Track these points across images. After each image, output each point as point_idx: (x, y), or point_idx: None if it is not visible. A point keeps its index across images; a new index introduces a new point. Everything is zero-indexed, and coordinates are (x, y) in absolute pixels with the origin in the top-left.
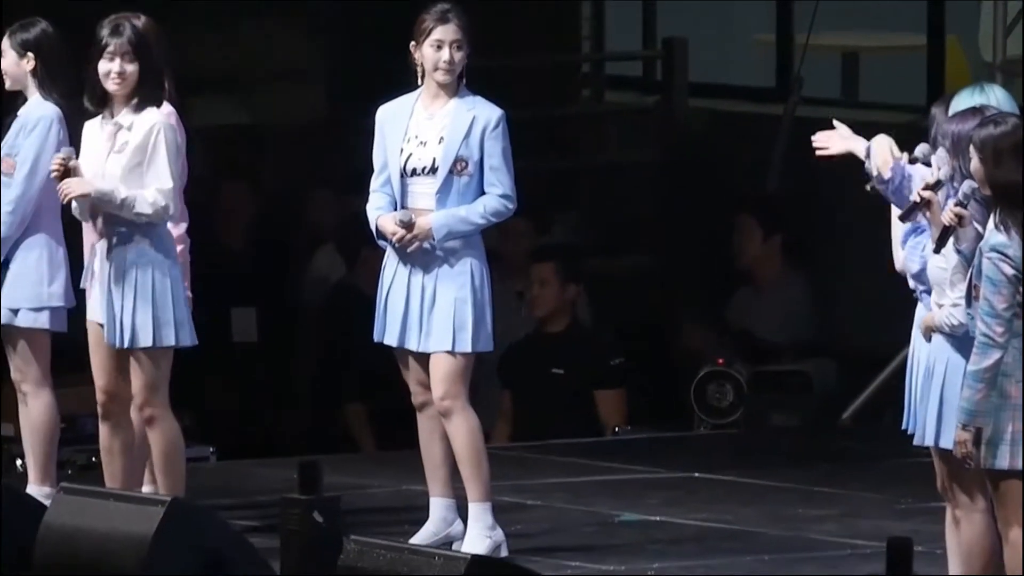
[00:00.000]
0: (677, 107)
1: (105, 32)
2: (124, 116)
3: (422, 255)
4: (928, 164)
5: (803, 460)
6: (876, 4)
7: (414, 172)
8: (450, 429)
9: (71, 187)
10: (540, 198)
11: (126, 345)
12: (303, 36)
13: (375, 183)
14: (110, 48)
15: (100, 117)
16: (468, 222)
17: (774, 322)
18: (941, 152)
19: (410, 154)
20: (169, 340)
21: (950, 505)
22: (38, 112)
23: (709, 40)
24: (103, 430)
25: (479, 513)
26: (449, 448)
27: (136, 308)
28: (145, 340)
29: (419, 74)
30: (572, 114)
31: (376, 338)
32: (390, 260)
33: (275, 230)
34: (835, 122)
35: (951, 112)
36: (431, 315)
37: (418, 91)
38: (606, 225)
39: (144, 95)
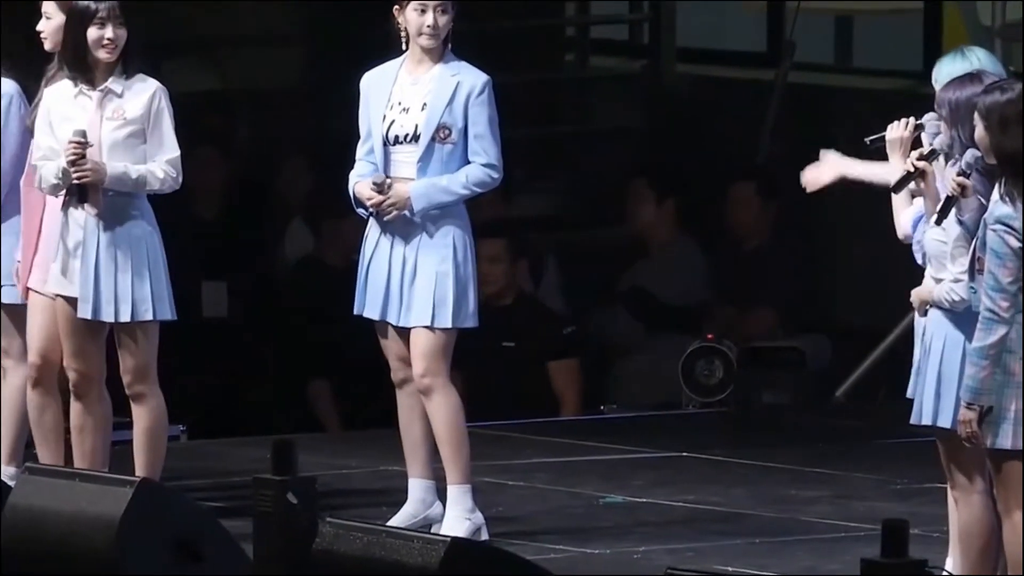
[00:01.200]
0: (664, 72)
1: (87, 0)
2: (114, 83)
3: (403, 226)
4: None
5: (795, 439)
6: None
7: (397, 140)
8: (430, 408)
9: (92, 170)
10: (524, 166)
11: (123, 319)
12: (280, 2)
13: (360, 151)
14: (100, 14)
15: (72, 83)
16: (449, 192)
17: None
18: (931, 116)
19: (392, 121)
20: (166, 314)
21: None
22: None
23: (698, 3)
24: (76, 409)
25: (458, 496)
26: (429, 428)
27: (134, 282)
28: (145, 314)
29: (403, 39)
30: (556, 79)
31: (356, 310)
32: (372, 231)
33: (248, 200)
34: (822, 152)
35: (934, 78)
36: (412, 289)
37: (403, 57)
38: (589, 194)
39: (131, 61)
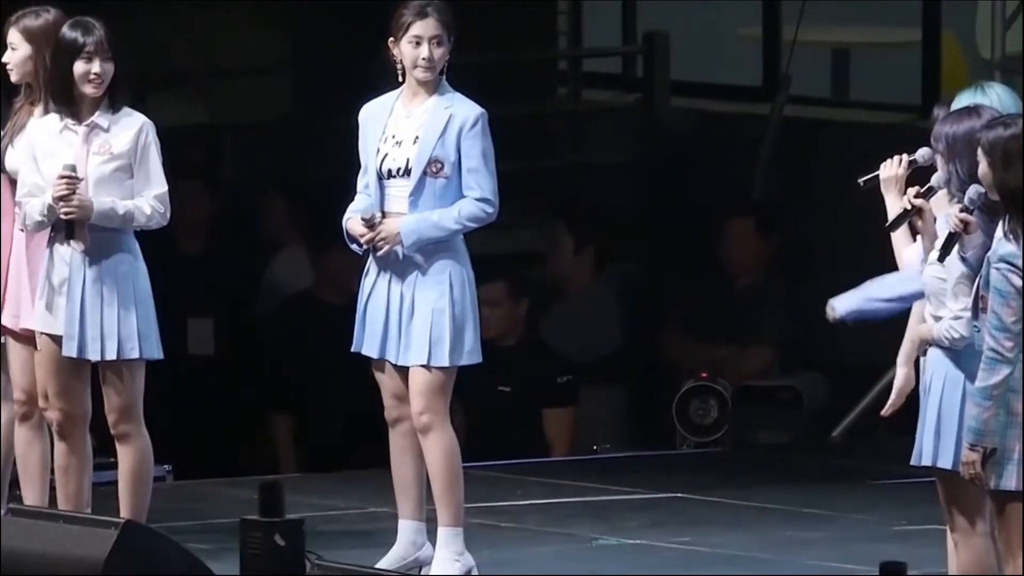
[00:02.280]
0: (658, 106)
1: (76, 33)
2: (100, 117)
3: (400, 262)
4: (931, 168)
5: (792, 479)
6: None
7: (390, 173)
8: (426, 446)
9: (78, 207)
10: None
11: (109, 357)
12: (266, 32)
13: (359, 183)
14: (87, 48)
15: (57, 118)
16: (440, 227)
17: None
18: (925, 151)
19: (386, 154)
20: (153, 352)
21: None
22: None
23: (692, 35)
24: (61, 449)
25: (449, 538)
26: (421, 468)
27: (120, 319)
28: (131, 352)
29: (399, 72)
30: (548, 113)
31: (354, 348)
32: (371, 268)
33: (234, 235)
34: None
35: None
36: (409, 327)
37: (400, 89)
38: (583, 228)
39: (118, 95)
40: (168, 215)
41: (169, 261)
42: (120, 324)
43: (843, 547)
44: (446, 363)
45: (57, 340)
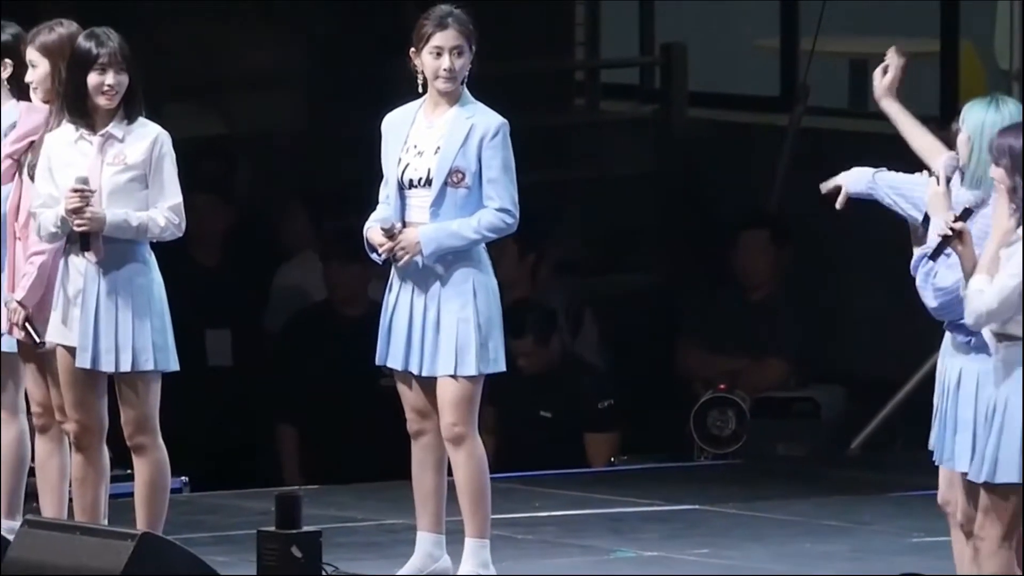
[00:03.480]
0: (676, 117)
1: (91, 44)
2: (115, 127)
3: (421, 273)
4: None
5: (811, 491)
6: (886, 7)
7: (411, 184)
8: (457, 458)
9: (90, 219)
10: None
11: (123, 368)
12: (280, 43)
13: (381, 193)
14: (101, 60)
15: (73, 128)
16: (459, 236)
17: None
18: (949, 162)
19: (407, 164)
20: (168, 364)
21: (963, 537)
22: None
23: (709, 46)
24: (77, 461)
25: (476, 549)
26: (442, 480)
27: (135, 330)
28: (145, 363)
29: (420, 81)
30: (565, 124)
31: (379, 361)
32: (394, 280)
33: (251, 246)
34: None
35: (962, 119)
36: (435, 338)
37: (422, 99)
38: (600, 241)
39: (133, 106)
40: (183, 226)
41: (185, 273)
42: (135, 335)
43: (861, 559)
44: (473, 372)
45: (72, 352)
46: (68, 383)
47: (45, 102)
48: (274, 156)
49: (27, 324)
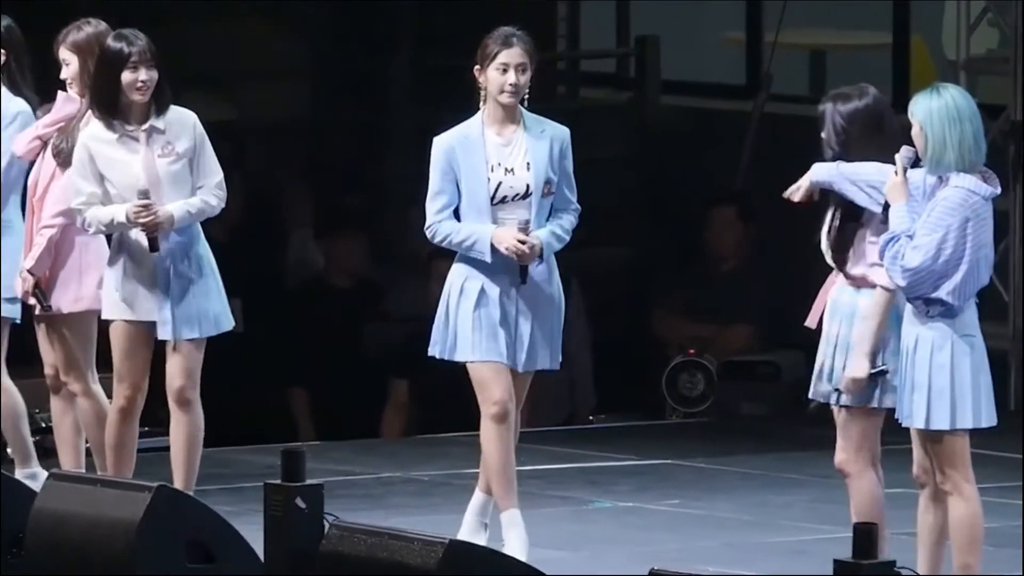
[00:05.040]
0: (650, 104)
1: (121, 44)
2: (155, 120)
3: (512, 271)
4: (914, 165)
5: (772, 447)
6: (843, 3)
7: (504, 199)
8: (511, 436)
9: (161, 223)
10: None
11: (208, 334)
12: (288, 34)
13: (433, 208)
14: (133, 58)
15: (104, 126)
16: (561, 239)
17: None
18: (908, 153)
19: (499, 182)
20: (231, 322)
21: (927, 488)
22: (14, 107)
23: (680, 38)
24: (125, 427)
25: (518, 518)
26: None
27: (206, 297)
28: (227, 324)
29: (481, 97)
30: (548, 110)
31: (461, 357)
32: (472, 274)
33: (260, 225)
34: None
35: (910, 112)
36: (534, 331)
37: (477, 118)
38: (582, 218)
39: (163, 98)
40: (225, 199)
41: None
42: (210, 302)
43: (819, 510)
44: (558, 365)
45: (134, 325)
46: (128, 354)
47: (80, 96)
48: (280, 140)
49: (36, 290)
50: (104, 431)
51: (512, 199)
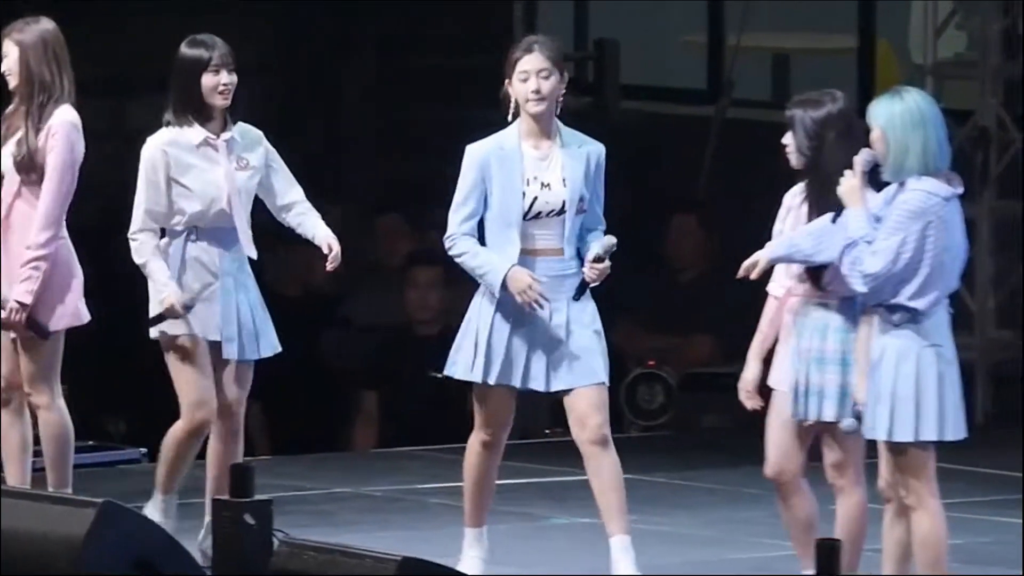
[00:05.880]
0: (609, 109)
1: (199, 50)
2: (233, 131)
3: (564, 293)
4: (873, 170)
5: (733, 462)
6: (806, 6)
7: (539, 214)
8: (605, 460)
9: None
10: None
11: (268, 354)
12: (241, 36)
13: (458, 220)
14: (214, 62)
15: (182, 131)
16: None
17: None
18: (867, 155)
19: (535, 197)
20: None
21: (892, 503)
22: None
23: (640, 42)
24: (194, 446)
25: (629, 546)
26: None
27: (263, 316)
28: (277, 344)
29: (511, 110)
30: (504, 116)
31: (488, 378)
32: (503, 298)
33: None
34: None
35: (870, 116)
36: (573, 348)
37: (511, 130)
38: None
39: (236, 106)
40: None
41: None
42: (266, 320)
43: (780, 525)
44: (605, 378)
45: (206, 343)
46: (204, 371)
47: (13, 91)
48: None
49: (32, 320)
50: (61, 446)
51: (546, 215)
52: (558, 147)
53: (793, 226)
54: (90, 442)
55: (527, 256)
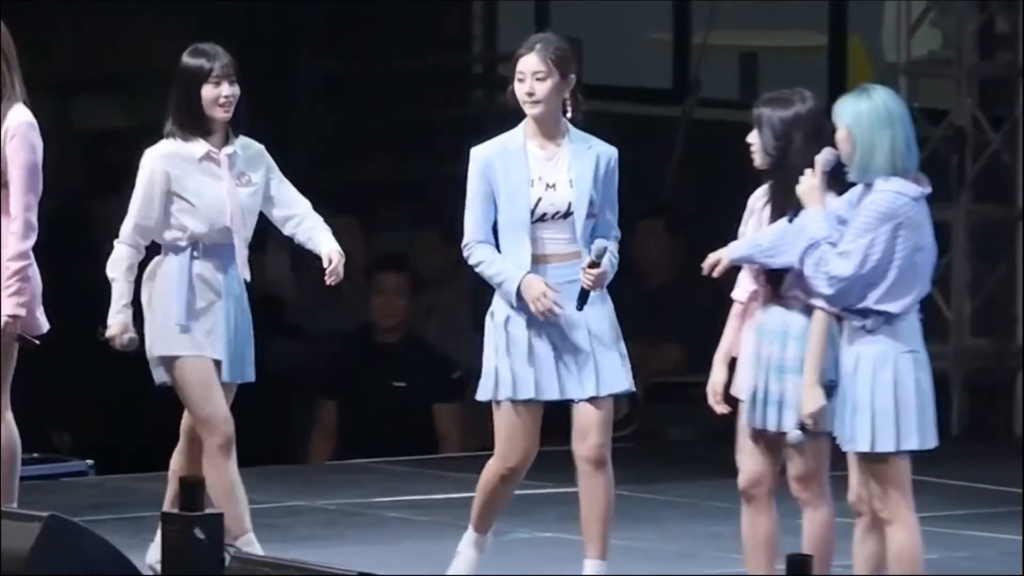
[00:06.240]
0: (572, 109)
1: (201, 60)
2: (234, 145)
3: (564, 297)
4: (836, 170)
5: (700, 475)
6: (775, 3)
7: (544, 216)
8: (599, 480)
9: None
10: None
11: (250, 379)
12: (189, 36)
13: (470, 226)
14: (215, 73)
15: (184, 144)
16: (614, 267)
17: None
18: (828, 155)
19: (539, 198)
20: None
21: (864, 517)
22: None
23: (604, 40)
24: (228, 465)
25: (603, 568)
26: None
27: (252, 338)
28: (253, 372)
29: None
30: (463, 117)
31: (520, 395)
32: (513, 312)
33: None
34: None
35: (836, 115)
36: (596, 356)
37: (517, 130)
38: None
39: (238, 119)
40: None
41: (90, 261)
42: (250, 345)
43: None
44: (631, 386)
45: (213, 363)
46: (216, 390)
47: None
48: None
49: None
50: (9, 460)
51: (552, 217)
52: (566, 147)
53: (756, 228)
54: (35, 454)
55: (537, 262)
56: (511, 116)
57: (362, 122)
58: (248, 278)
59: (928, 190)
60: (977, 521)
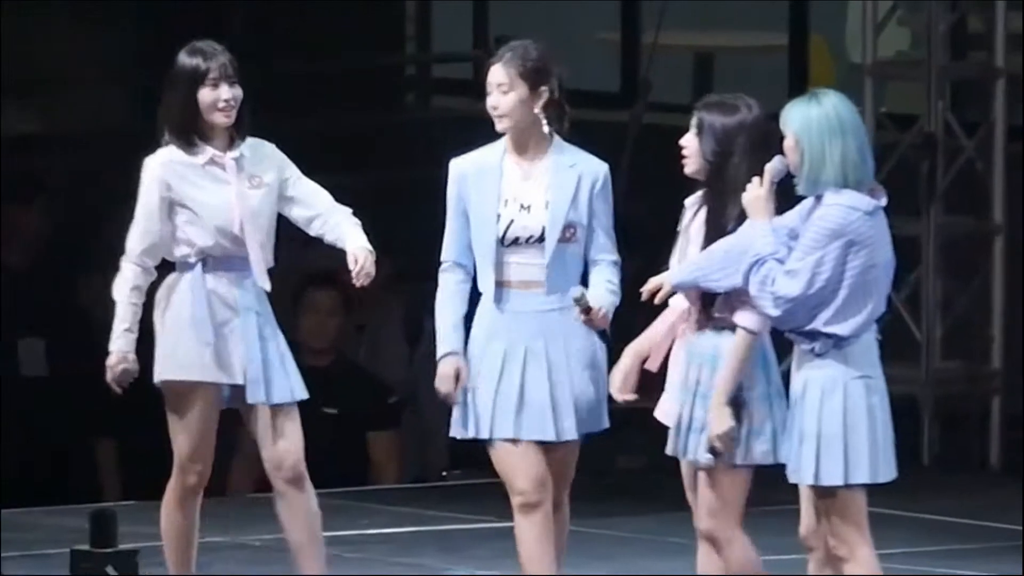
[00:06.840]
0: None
1: (197, 60)
2: (241, 147)
3: (545, 335)
4: (786, 179)
5: (651, 507)
6: (732, 1)
7: (516, 241)
8: (556, 523)
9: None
10: (368, 217)
11: (297, 398)
12: (103, 34)
13: (445, 247)
14: (212, 74)
15: (184, 152)
16: (616, 294)
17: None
18: (778, 164)
19: (511, 220)
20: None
21: (816, 552)
22: None
23: (547, 39)
24: (190, 510)
25: None
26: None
27: (287, 354)
28: (303, 390)
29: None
30: (396, 121)
31: (501, 434)
32: (490, 345)
33: (67, 251)
34: None
35: (783, 121)
36: (574, 395)
37: (499, 145)
38: (436, 243)
39: (243, 121)
40: None
41: None
42: (289, 361)
43: None
44: (607, 424)
45: (219, 389)
46: (209, 423)
47: None
48: (91, 155)
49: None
50: None
51: (526, 241)
52: (546, 165)
53: (696, 231)
54: None
55: (502, 287)
56: (449, 121)
57: (289, 126)
58: (268, 288)
59: (883, 202)
60: (950, 558)
